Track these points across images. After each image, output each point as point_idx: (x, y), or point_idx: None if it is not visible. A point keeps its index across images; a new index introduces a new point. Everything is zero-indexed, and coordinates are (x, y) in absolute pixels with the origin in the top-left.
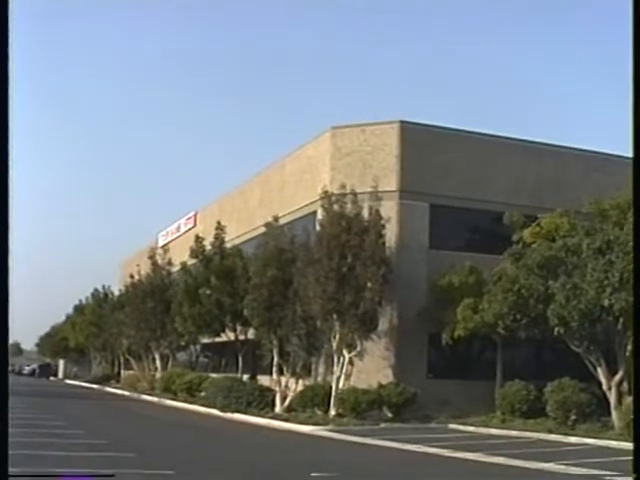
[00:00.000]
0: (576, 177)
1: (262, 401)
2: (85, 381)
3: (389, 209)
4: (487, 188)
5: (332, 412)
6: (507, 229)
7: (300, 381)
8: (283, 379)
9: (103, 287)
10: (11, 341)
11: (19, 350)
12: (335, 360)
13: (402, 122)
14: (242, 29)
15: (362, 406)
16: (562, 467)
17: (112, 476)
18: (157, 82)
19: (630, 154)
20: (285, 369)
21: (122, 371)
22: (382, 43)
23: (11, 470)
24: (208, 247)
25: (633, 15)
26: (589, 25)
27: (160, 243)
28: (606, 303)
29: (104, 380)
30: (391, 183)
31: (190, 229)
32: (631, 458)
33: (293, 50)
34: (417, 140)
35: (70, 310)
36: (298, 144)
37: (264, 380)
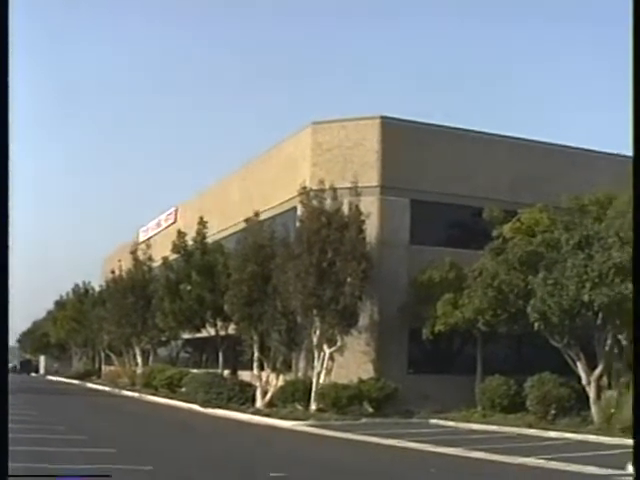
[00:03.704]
0: (555, 172)
1: (243, 396)
2: (66, 377)
3: (369, 204)
4: (467, 183)
5: (313, 407)
6: (487, 224)
7: (281, 376)
8: (264, 374)
9: (83, 283)
10: None
11: None
12: (316, 355)
13: (383, 117)
14: (226, 25)
15: (343, 401)
16: (542, 462)
17: (109, 476)
18: (137, 77)
19: (627, 152)
20: (266, 364)
21: (103, 367)
22: (365, 37)
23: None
24: (190, 242)
25: (633, 15)
26: (583, 23)
27: (141, 239)
28: (586, 298)
29: (85, 376)
30: (372, 179)
31: (171, 224)
32: (611, 452)
33: (274, 45)
34: (398, 135)
35: (51, 305)
36: (279, 139)
37: (245, 375)
